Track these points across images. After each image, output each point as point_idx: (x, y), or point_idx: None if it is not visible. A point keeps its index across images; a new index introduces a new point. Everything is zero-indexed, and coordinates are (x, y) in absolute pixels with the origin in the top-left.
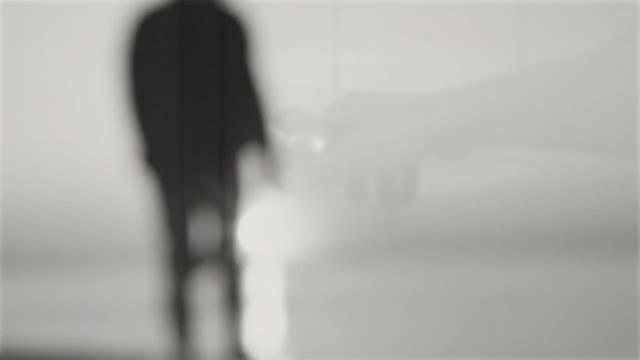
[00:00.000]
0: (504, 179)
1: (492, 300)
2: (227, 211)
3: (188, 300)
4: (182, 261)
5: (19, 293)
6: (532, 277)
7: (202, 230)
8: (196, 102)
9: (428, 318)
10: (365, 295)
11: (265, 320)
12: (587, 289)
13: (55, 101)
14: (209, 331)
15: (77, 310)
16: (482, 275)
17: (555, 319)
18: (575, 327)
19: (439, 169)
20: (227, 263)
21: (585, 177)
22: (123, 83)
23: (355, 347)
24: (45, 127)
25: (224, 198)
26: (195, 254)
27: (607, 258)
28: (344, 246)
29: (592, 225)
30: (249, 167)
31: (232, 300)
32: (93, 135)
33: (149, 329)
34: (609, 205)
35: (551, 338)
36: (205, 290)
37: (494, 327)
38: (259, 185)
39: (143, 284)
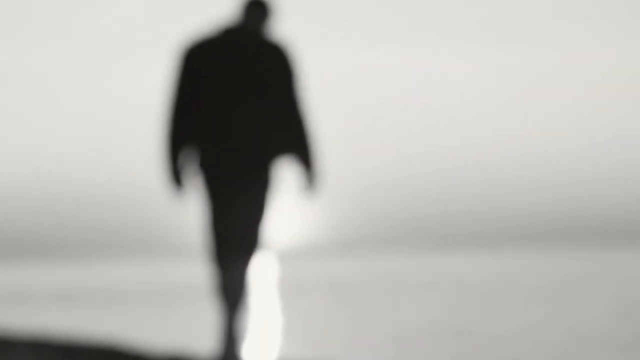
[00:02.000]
0: None
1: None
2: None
3: (234, 285)
4: (224, 249)
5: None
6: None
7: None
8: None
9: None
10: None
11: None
12: None
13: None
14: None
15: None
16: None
17: None
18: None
19: None
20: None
21: None
22: (171, 97)
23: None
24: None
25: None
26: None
27: None
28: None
29: None
30: (290, 174)
31: (239, 294)
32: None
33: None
34: None
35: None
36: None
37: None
38: (298, 191)
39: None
